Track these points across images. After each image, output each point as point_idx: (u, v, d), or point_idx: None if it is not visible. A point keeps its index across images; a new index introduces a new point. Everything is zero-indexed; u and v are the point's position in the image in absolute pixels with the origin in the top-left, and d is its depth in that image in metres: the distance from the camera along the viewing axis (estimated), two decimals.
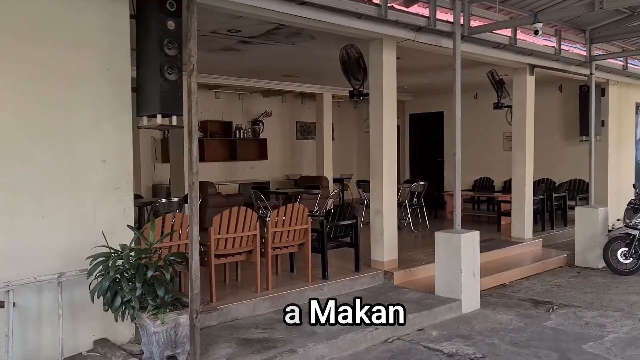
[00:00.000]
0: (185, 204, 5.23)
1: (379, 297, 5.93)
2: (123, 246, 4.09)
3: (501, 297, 6.47)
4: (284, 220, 5.70)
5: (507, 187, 12.03)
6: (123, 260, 3.94)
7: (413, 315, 5.27)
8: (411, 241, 8.88)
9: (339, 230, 6.29)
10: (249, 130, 13.07)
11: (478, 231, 5.98)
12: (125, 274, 3.92)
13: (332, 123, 14.39)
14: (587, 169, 8.31)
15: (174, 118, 4.52)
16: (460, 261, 5.70)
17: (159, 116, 4.39)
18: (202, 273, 4.33)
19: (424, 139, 14.21)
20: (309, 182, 11.67)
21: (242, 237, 5.39)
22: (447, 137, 13.42)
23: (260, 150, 13.30)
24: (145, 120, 4.52)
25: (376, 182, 6.61)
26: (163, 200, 6.63)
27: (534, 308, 5.99)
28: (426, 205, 10.58)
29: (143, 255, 4.08)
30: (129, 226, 4.41)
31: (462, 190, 12.58)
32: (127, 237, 4.30)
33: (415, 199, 10.20)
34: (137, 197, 7.24)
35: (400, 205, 9.66)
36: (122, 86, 4.50)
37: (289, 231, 5.78)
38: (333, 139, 14.53)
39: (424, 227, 10.05)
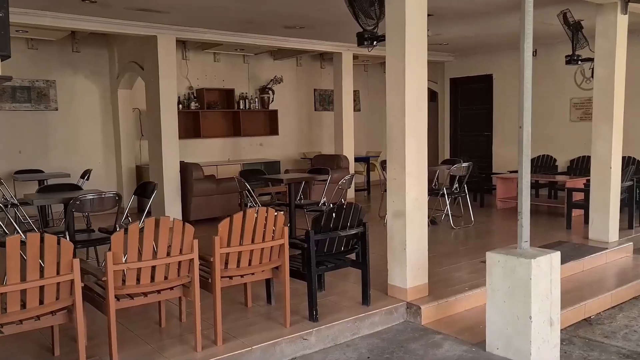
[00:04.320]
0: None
1: (397, 351, 3.78)
2: None
3: (588, 345, 4.20)
4: (241, 233, 3.58)
5: (575, 167, 9.57)
6: None
7: None
8: (449, 245, 6.63)
9: (338, 244, 4.13)
10: (256, 100, 10.92)
11: (558, 252, 3.68)
12: None
13: (357, 91, 12.14)
14: None
15: None
16: (530, 303, 3.47)
17: None
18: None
19: (468, 108, 11.73)
20: (325, 162, 9.50)
21: (165, 264, 3.31)
22: (497, 105, 10.94)
23: (270, 124, 11.17)
24: None
25: (395, 168, 4.40)
26: (90, 196, 4.64)
27: None
28: (470, 190, 8.27)
29: None
30: None
31: (513, 172, 10.30)
32: None
33: (456, 185, 7.91)
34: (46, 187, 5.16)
35: (435, 193, 7.40)
36: None
37: (251, 251, 3.66)
38: (358, 110, 12.27)
39: (468, 222, 7.76)
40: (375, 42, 4.50)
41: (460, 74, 11.59)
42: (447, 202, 7.65)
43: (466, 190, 7.95)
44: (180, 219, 7.95)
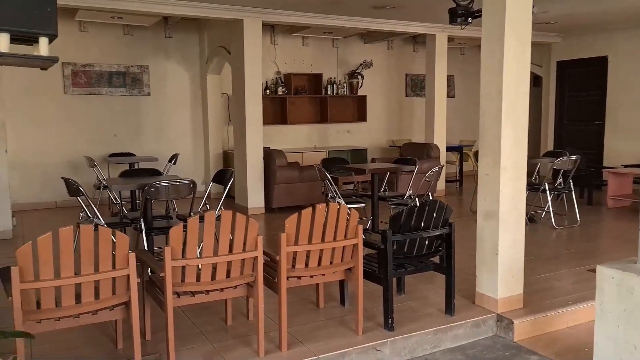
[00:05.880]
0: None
1: None
2: None
3: None
4: (310, 231, 3.26)
5: None
6: None
7: None
8: (550, 248, 5.94)
9: (419, 246, 3.71)
10: (345, 85, 10.57)
11: None
12: None
13: (452, 76, 11.43)
14: None
15: (43, 42, 2.25)
16: None
17: (2, 36, 2.15)
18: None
19: (578, 95, 10.62)
20: (414, 151, 8.99)
21: (228, 261, 3.08)
22: (612, 91, 9.81)
23: (358, 110, 10.79)
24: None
25: (488, 162, 3.87)
26: (165, 183, 4.53)
27: None
28: (575, 185, 7.41)
29: None
30: None
31: (628, 166, 9.16)
32: None
33: (560, 179, 7.12)
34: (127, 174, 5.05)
35: (536, 188, 6.70)
36: None
37: (321, 250, 3.34)
38: (453, 96, 11.56)
39: (572, 221, 6.96)
40: (469, 19, 3.98)
41: (569, 57, 10.51)
42: (549, 199, 6.89)
43: (572, 186, 7.14)
44: (263, 206, 7.97)
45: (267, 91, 9.71)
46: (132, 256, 2.75)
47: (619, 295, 2.99)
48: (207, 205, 5.43)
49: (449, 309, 3.84)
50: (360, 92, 10.63)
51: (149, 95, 9.15)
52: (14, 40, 2.17)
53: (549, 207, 6.91)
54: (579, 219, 6.96)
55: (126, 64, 8.93)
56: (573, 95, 10.68)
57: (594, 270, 4.34)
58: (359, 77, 10.59)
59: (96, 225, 4.14)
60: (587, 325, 3.88)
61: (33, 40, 2.23)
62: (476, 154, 7.40)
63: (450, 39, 9.59)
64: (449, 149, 10.09)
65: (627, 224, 7.06)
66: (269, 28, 9.51)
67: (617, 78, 9.69)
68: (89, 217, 4.89)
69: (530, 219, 6.85)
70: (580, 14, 8.27)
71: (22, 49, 2.24)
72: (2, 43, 2.12)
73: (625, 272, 2.95)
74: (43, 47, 2.22)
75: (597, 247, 6.06)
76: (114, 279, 2.75)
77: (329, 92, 10.35)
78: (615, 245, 5.98)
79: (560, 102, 10.86)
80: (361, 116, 10.73)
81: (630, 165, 8.84)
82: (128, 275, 2.77)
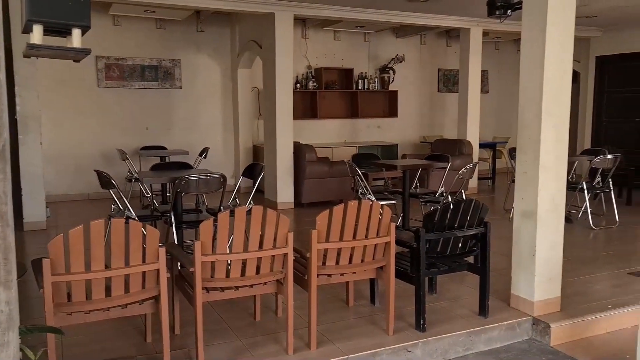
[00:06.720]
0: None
1: None
2: None
3: None
4: (341, 228, 3.19)
5: None
6: None
7: None
8: (587, 249, 5.74)
9: (453, 245, 3.60)
10: (376, 79, 10.45)
11: None
12: None
13: (486, 71, 11.19)
14: None
15: (76, 34, 2.22)
16: None
17: (36, 28, 2.13)
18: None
19: (618, 91, 10.26)
20: (446, 147, 8.83)
21: (258, 258, 3.04)
22: None
23: (389, 105, 10.66)
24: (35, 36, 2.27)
25: (526, 160, 3.73)
26: (195, 177, 4.52)
27: None
28: (615, 184, 7.15)
29: None
30: None
31: None
32: None
33: (598, 178, 6.88)
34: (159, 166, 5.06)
35: (573, 187, 6.49)
36: None
37: (352, 248, 3.27)
38: (486, 92, 11.33)
39: (611, 222, 6.72)
40: (509, 11, 3.84)
41: (610, 51, 10.15)
42: (587, 198, 6.67)
43: (611, 186, 6.89)
44: (292, 201, 7.93)
45: (298, 85, 9.66)
46: (162, 250, 2.73)
47: None
48: (237, 200, 5.41)
49: (483, 310, 3.73)
50: (391, 87, 10.50)
51: (181, 88, 9.20)
52: (47, 31, 2.15)
53: (586, 206, 6.69)
54: (617, 219, 6.72)
55: (158, 57, 8.99)
56: (613, 92, 10.32)
57: (635, 274, 4.18)
58: (391, 71, 10.45)
59: (127, 218, 4.16)
60: (628, 331, 3.73)
61: (66, 32, 2.22)
62: (510, 150, 7.22)
63: (485, 33, 9.38)
64: (482, 145, 9.88)
65: None
66: (301, 22, 9.45)
67: None
68: (120, 209, 4.92)
69: (567, 219, 6.58)
70: (623, 7, 7.96)
71: (56, 41, 2.22)
72: (36, 35, 2.11)
73: None
74: (76, 38, 2.20)
75: (637, 249, 5.83)
76: (144, 273, 2.74)
77: (359, 87, 10.25)
78: None
79: (599, 98, 10.51)
80: (392, 111, 10.60)
81: None
82: (158, 270, 2.75)
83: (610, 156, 6.65)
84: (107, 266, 2.65)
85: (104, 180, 4.67)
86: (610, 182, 6.86)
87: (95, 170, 4.92)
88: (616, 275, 4.65)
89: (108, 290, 2.70)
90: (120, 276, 2.68)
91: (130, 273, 2.68)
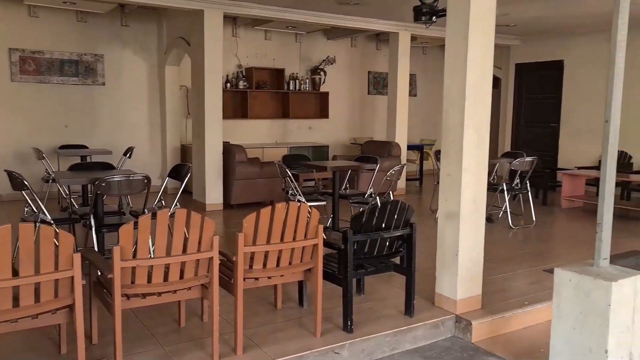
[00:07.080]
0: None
1: None
2: None
3: None
4: (269, 231, 3.15)
5: None
6: None
7: None
8: (506, 247, 6.00)
9: (380, 246, 3.64)
10: (307, 81, 10.46)
11: None
12: None
13: (414, 75, 11.49)
14: None
15: None
16: (608, 334, 2.87)
17: None
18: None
19: (535, 97, 10.84)
20: (375, 149, 8.98)
21: (182, 262, 2.93)
22: (567, 94, 10.06)
23: (320, 107, 10.71)
24: None
25: (450, 163, 3.84)
26: (117, 178, 4.32)
27: None
28: (531, 186, 7.55)
29: None
30: None
31: (581, 168, 9.40)
32: None
33: (517, 180, 7.22)
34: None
35: (494, 188, 6.77)
36: None
37: (280, 251, 3.23)
38: (414, 95, 11.63)
39: (528, 221, 7.08)
40: (434, 17, 3.94)
41: (527, 59, 10.71)
42: (507, 199, 6.99)
43: (528, 187, 7.25)
44: (221, 202, 7.78)
45: (228, 85, 9.51)
46: (77, 257, 2.57)
47: (576, 297, 3.00)
48: (163, 201, 5.23)
49: (409, 310, 3.80)
50: (322, 89, 10.55)
51: (104, 85, 8.81)
52: None
53: (506, 207, 7.00)
54: (534, 219, 7.09)
55: (79, 52, 8.57)
56: (530, 98, 10.90)
57: (549, 271, 4.41)
58: (322, 73, 10.50)
59: (42, 221, 3.92)
60: (542, 326, 3.92)
61: None
62: (436, 153, 7.44)
63: (413, 38, 9.62)
64: (409, 147, 10.12)
65: (580, 224, 7.25)
66: (231, 20, 9.31)
67: (572, 82, 9.94)
68: (35, 212, 4.63)
69: (488, 219, 6.90)
70: (539, 18, 8.41)
71: None
72: None
73: (582, 274, 2.97)
74: None
75: (551, 247, 6.17)
76: (56, 280, 2.57)
77: (291, 88, 10.23)
78: (569, 246, 6.09)
79: (518, 104, 11.07)
80: (323, 113, 10.65)
81: (583, 167, 9.08)
82: (72, 277, 2.59)
83: (528, 159, 7.00)
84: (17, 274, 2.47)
85: (16, 182, 4.38)
86: (528, 184, 7.23)
87: (5, 171, 4.60)
88: (532, 273, 4.89)
89: (16, 301, 2.51)
90: (29, 285, 2.50)
91: (40, 281, 2.51)
